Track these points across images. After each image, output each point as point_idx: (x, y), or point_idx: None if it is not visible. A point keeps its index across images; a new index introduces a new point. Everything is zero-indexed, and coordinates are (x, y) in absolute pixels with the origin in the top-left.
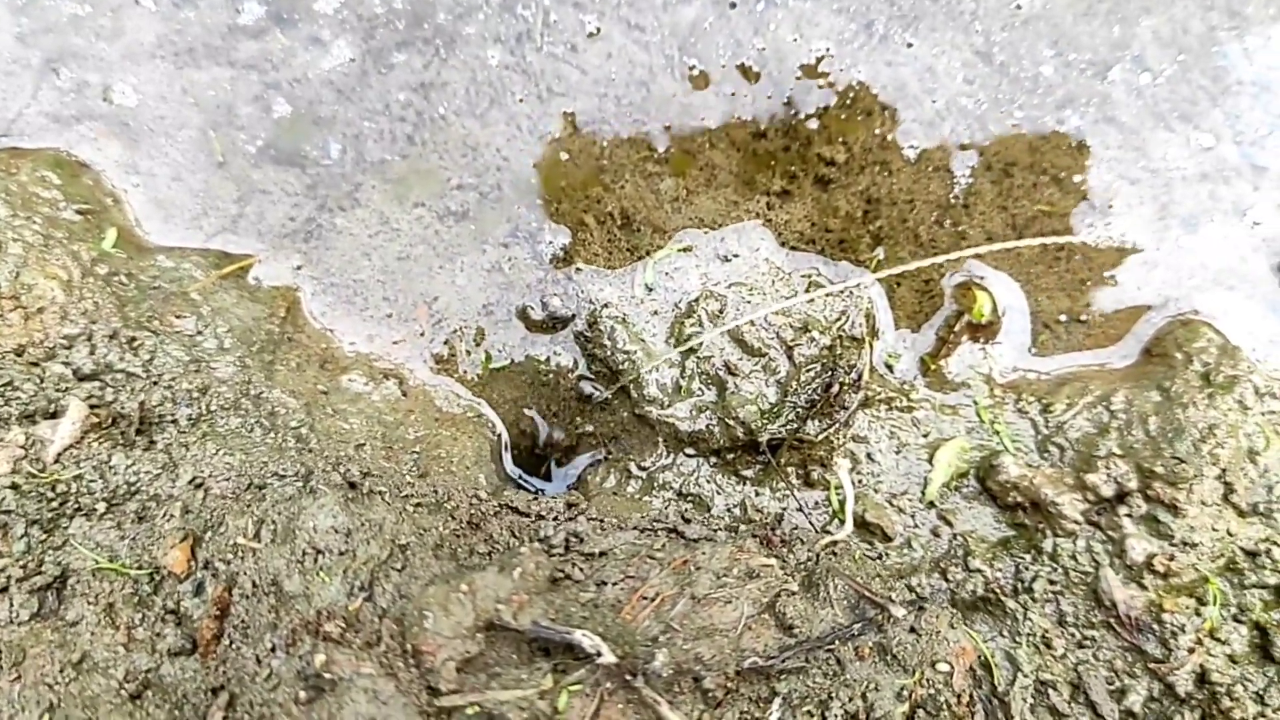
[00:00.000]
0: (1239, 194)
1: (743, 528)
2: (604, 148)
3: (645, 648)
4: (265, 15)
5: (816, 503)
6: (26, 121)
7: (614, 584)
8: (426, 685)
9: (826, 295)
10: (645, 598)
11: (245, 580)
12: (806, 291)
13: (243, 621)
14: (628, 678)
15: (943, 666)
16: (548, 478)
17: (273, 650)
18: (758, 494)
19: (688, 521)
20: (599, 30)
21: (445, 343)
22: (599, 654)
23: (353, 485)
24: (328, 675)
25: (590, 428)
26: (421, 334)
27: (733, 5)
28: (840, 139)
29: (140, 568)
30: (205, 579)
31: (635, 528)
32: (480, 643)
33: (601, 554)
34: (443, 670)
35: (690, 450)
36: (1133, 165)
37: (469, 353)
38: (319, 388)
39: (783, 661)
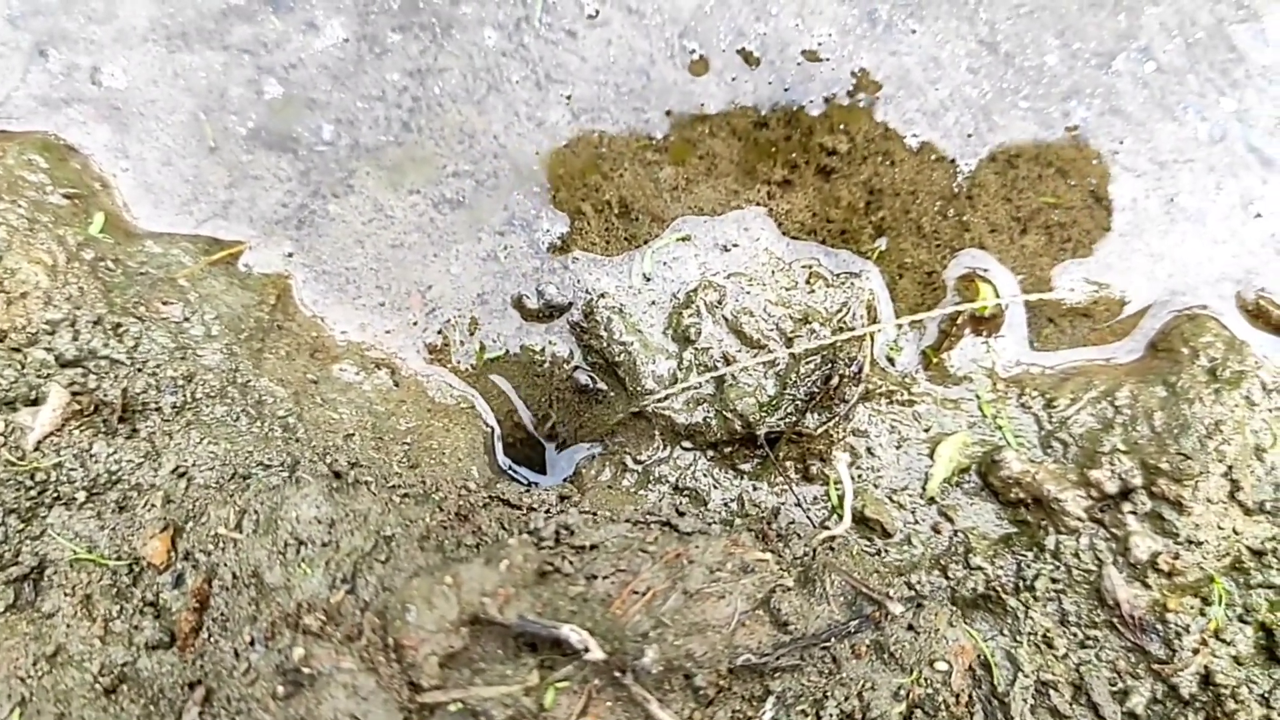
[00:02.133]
0: (1246, 187)
1: (738, 522)
2: (603, 135)
3: (635, 644)
4: None
5: (815, 498)
6: (15, 104)
7: (604, 578)
8: (408, 681)
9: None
10: (636, 592)
11: (225, 572)
12: (807, 283)
13: (222, 614)
14: (616, 674)
15: (941, 665)
16: (542, 471)
17: (251, 644)
18: (755, 488)
19: (681, 515)
20: (598, 14)
21: (439, 332)
22: (586, 650)
23: (338, 475)
24: (306, 670)
25: (586, 419)
26: (415, 323)
27: None
28: (843, 128)
29: (119, 558)
30: (185, 570)
31: (628, 520)
32: (464, 637)
33: (592, 547)
34: (425, 665)
35: (687, 443)
36: (1139, 157)
37: (463, 342)
38: (309, 377)
39: (777, 659)
